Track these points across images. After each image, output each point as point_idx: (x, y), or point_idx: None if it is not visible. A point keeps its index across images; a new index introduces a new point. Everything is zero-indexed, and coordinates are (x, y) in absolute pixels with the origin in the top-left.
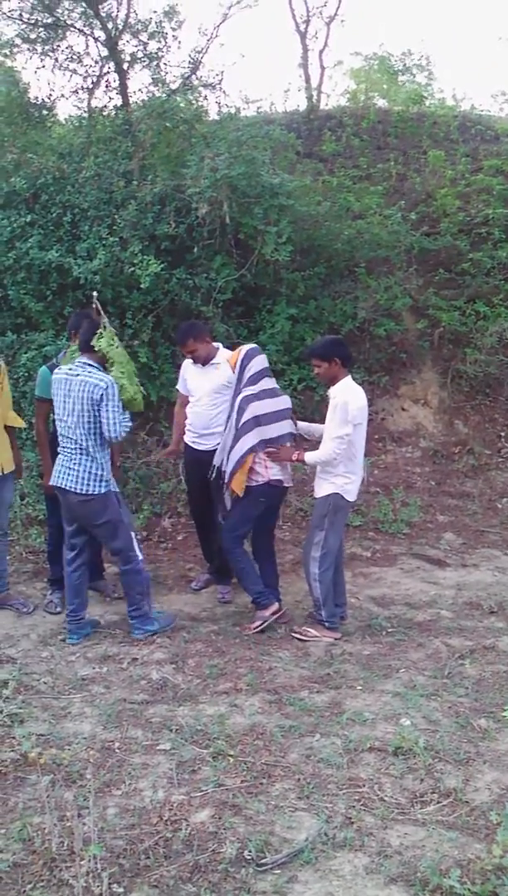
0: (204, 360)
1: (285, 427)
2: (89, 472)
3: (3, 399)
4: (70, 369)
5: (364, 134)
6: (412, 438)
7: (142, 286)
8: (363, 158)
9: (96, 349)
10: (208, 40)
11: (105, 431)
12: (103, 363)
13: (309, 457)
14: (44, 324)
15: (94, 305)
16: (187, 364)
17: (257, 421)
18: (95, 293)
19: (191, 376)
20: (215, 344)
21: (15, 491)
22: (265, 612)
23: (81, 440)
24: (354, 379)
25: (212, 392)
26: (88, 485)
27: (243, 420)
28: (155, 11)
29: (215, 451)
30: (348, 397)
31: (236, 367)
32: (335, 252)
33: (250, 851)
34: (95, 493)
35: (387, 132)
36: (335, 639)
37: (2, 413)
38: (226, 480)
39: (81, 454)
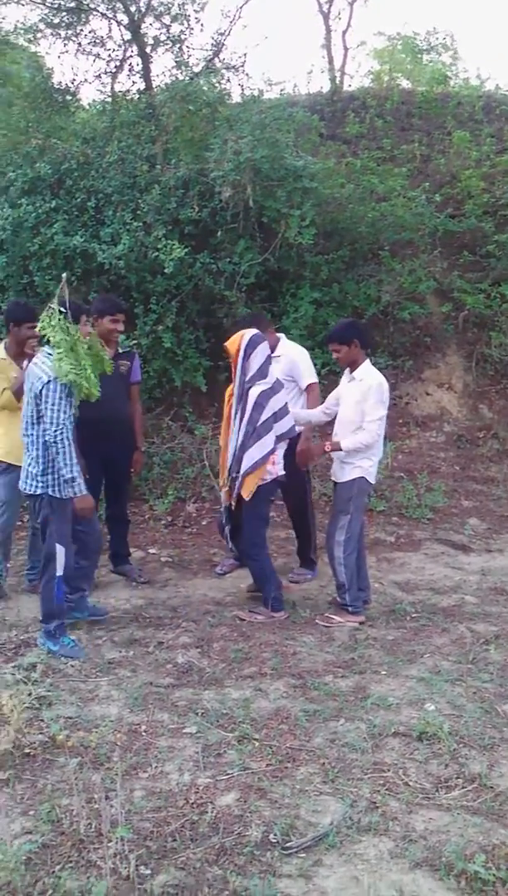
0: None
1: (291, 420)
2: (27, 470)
3: None
4: (35, 360)
5: (388, 115)
6: (437, 423)
7: (166, 271)
8: (386, 140)
9: (40, 333)
10: (231, 22)
11: (43, 431)
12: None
13: (347, 443)
14: None
15: (61, 287)
16: None
17: (275, 417)
18: (63, 275)
19: None
20: (277, 335)
21: None
22: (273, 614)
23: (29, 433)
24: (378, 363)
25: None
26: (26, 482)
27: (262, 418)
28: None
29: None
30: (380, 378)
31: (240, 355)
32: (359, 235)
33: (275, 835)
34: (30, 492)
35: (411, 113)
36: (359, 623)
37: None
38: (238, 484)
39: (25, 450)
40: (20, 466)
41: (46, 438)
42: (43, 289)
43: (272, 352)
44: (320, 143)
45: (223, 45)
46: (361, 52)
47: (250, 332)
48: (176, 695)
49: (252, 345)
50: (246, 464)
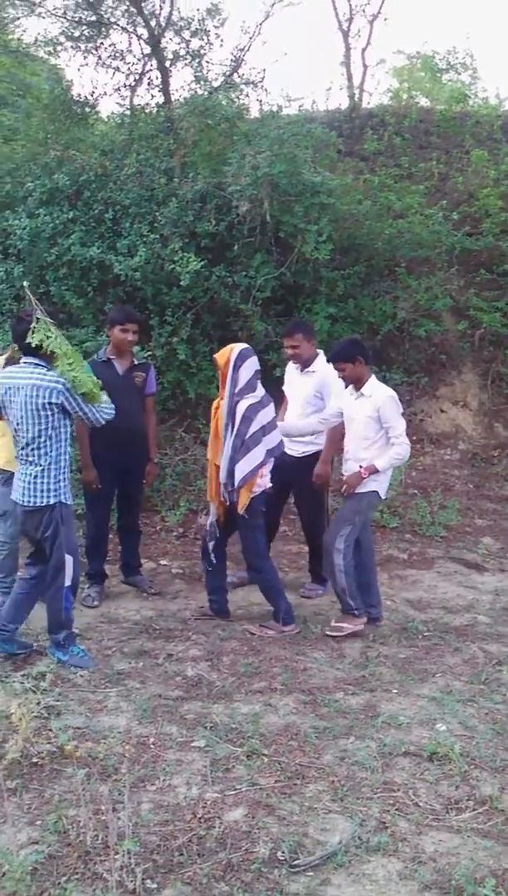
0: (305, 362)
1: (278, 435)
2: (31, 484)
3: None
4: (13, 373)
5: (406, 133)
6: (451, 440)
7: (182, 283)
8: (404, 157)
9: (33, 345)
10: (251, 38)
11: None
12: (50, 359)
13: (382, 464)
14: (84, 320)
15: (26, 297)
16: (290, 367)
17: (264, 430)
18: (25, 283)
19: (289, 381)
20: (317, 350)
21: None
22: (283, 627)
23: (32, 447)
24: (393, 379)
25: (304, 401)
26: (33, 496)
27: (251, 431)
28: (198, 9)
29: (302, 457)
30: (391, 391)
31: (229, 368)
32: (376, 251)
33: (283, 852)
34: (41, 504)
35: (429, 131)
36: (363, 624)
37: None
38: (234, 498)
39: (29, 464)
40: None
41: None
42: (59, 299)
43: (307, 366)
44: (338, 160)
45: (243, 60)
46: (380, 69)
47: (239, 346)
48: (185, 707)
49: (242, 358)
50: (238, 477)
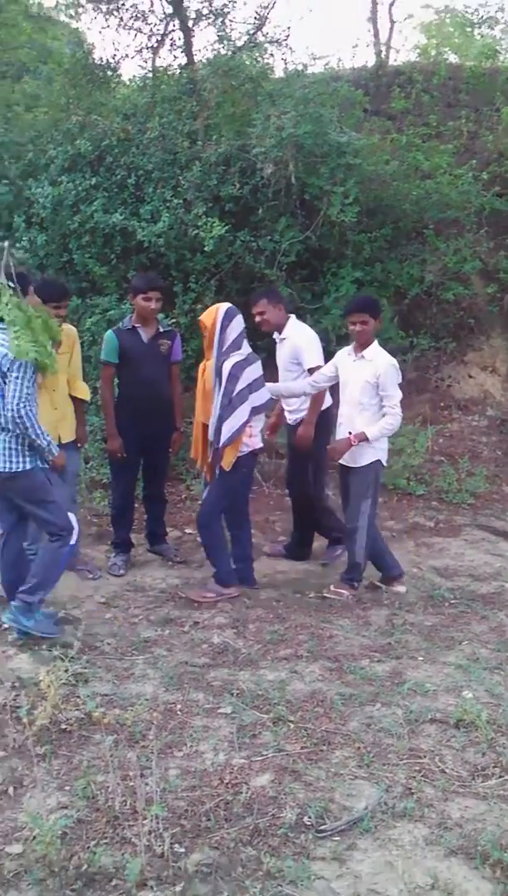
0: (275, 328)
1: (266, 393)
2: (9, 449)
3: (73, 367)
4: None
5: (435, 90)
6: (479, 406)
7: (205, 249)
8: (432, 116)
9: None
10: None
11: (8, 405)
12: None
13: (373, 433)
14: (108, 288)
15: (5, 258)
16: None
17: (250, 388)
18: (5, 243)
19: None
20: (287, 315)
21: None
22: (223, 590)
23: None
24: (420, 344)
25: (283, 368)
26: (10, 461)
27: (237, 389)
28: None
29: (295, 425)
30: (393, 360)
31: (216, 328)
32: (403, 213)
33: (309, 817)
34: (17, 470)
35: (458, 89)
36: (356, 593)
37: (70, 381)
38: (219, 455)
39: (2, 430)
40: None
41: (12, 413)
42: (82, 267)
43: (280, 332)
44: (364, 119)
45: (267, 18)
46: (408, 25)
47: (225, 306)
48: (211, 675)
49: (228, 317)
50: (224, 435)
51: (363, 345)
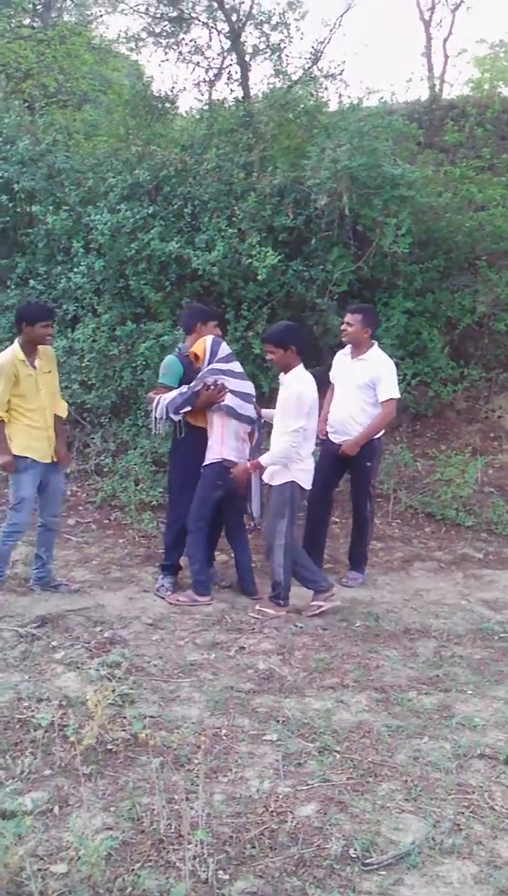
0: (350, 342)
1: (250, 409)
2: None
3: (55, 385)
4: None
5: (488, 123)
6: None
7: (258, 278)
8: (486, 149)
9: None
10: (331, 31)
11: None
12: None
13: (266, 460)
14: (162, 314)
15: None
16: (339, 355)
17: (234, 393)
18: None
19: (338, 367)
20: (372, 341)
21: (129, 477)
22: (198, 598)
23: None
24: (471, 375)
25: (353, 385)
26: None
27: (209, 368)
28: (278, 3)
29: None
30: (302, 387)
31: (206, 355)
32: (455, 244)
33: (355, 850)
34: None
35: None
36: (284, 611)
37: (52, 401)
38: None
39: None
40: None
41: None
42: (138, 293)
43: (359, 351)
44: (417, 152)
45: (322, 53)
46: (461, 59)
47: (210, 337)
48: (257, 701)
49: (216, 344)
50: (162, 404)
51: (281, 370)
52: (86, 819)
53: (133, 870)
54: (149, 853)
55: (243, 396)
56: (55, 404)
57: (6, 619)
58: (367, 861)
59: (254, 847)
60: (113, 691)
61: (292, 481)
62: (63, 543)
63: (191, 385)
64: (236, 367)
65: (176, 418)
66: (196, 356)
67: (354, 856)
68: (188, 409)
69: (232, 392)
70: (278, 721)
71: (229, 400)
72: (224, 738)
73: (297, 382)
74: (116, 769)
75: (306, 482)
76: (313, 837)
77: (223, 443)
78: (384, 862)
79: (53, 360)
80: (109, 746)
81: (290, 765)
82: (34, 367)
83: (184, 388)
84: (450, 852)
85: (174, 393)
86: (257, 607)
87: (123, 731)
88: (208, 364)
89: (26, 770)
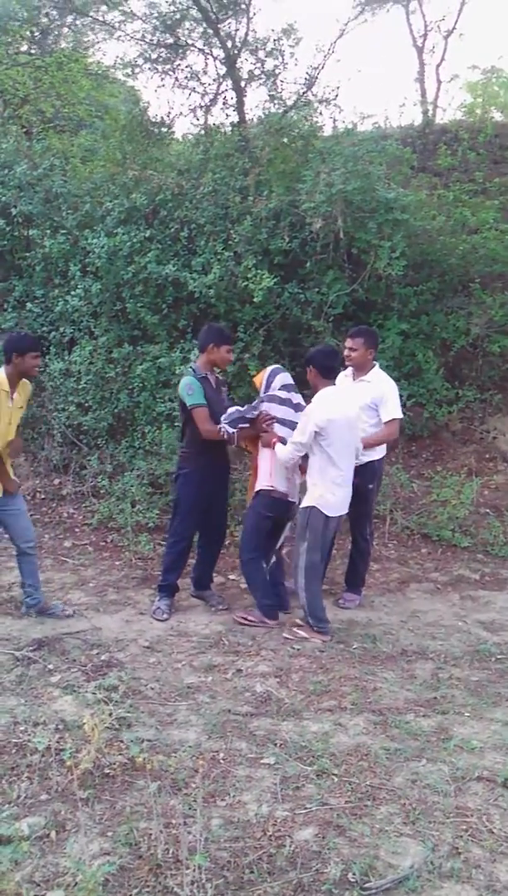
0: (354, 365)
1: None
2: None
3: (18, 421)
4: None
5: (481, 148)
6: None
7: (254, 300)
8: (479, 172)
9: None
10: (325, 56)
11: None
12: None
13: (278, 449)
14: (158, 336)
15: None
16: (341, 376)
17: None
18: None
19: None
20: (374, 362)
21: (126, 499)
22: (267, 620)
23: None
24: (466, 397)
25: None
26: None
27: (267, 394)
28: (273, 30)
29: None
30: (313, 407)
31: (262, 385)
32: (449, 267)
33: (354, 874)
34: None
35: (505, 146)
36: (324, 641)
37: (13, 436)
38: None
39: None
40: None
41: None
42: (135, 315)
43: (361, 373)
44: (411, 176)
45: (316, 79)
46: (454, 85)
47: (271, 366)
48: (254, 724)
49: (273, 374)
50: (224, 421)
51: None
52: (83, 844)
53: (131, 895)
54: (147, 878)
55: (293, 426)
56: (13, 438)
57: (2, 643)
58: (366, 885)
59: (252, 872)
60: (110, 715)
61: (313, 507)
62: (59, 566)
63: (251, 405)
64: (295, 398)
65: (230, 430)
66: (255, 386)
67: (352, 880)
68: (245, 425)
69: (280, 422)
70: (275, 744)
71: (278, 430)
72: (222, 761)
73: (314, 402)
74: (114, 793)
75: (329, 509)
76: (311, 862)
77: (272, 472)
78: (382, 886)
79: (29, 396)
80: (107, 770)
81: (288, 788)
82: (11, 401)
83: (244, 407)
84: (449, 876)
85: (236, 407)
86: (292, 627)
87: (121, 754)
88: (264, 393)
89: (23, 795)
